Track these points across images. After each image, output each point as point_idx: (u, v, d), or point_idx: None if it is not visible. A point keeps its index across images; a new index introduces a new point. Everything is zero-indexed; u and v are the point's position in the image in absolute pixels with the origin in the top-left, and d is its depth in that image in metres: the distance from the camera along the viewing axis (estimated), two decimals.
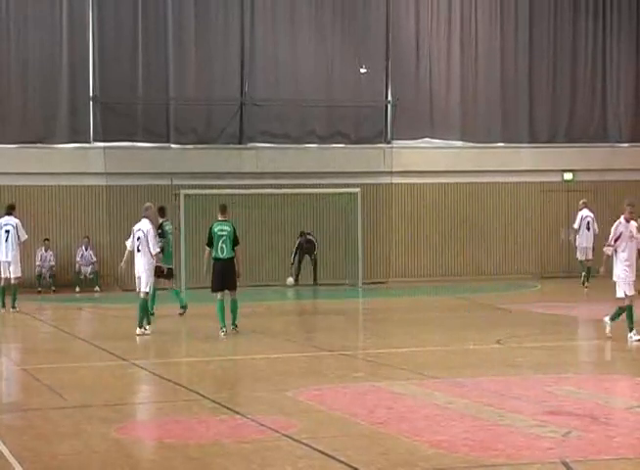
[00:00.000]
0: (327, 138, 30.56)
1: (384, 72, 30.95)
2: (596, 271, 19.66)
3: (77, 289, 27.96)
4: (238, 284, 17.75)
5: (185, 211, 27.95)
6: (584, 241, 26.91)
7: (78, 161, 28.66)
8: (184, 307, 21.35)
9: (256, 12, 30.05)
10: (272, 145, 30.17)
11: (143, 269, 18.00)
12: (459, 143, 31.50)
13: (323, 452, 8.95)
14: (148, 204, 18.72)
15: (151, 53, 29.29)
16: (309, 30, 30.51)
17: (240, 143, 30.00)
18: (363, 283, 28.59)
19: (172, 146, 29.48)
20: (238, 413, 10.82)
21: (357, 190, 29.22)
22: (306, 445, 9.26)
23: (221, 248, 17.49)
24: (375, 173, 30.44)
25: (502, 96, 31.78)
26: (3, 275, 22.40)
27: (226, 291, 17.65)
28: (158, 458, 8.99)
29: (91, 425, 10.34)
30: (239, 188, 28.65)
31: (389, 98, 30.98)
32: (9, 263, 22.29)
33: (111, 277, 27.53)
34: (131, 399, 12.14)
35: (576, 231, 27.03)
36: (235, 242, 17.59)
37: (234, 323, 17.70)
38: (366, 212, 29.56)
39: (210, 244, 17.62)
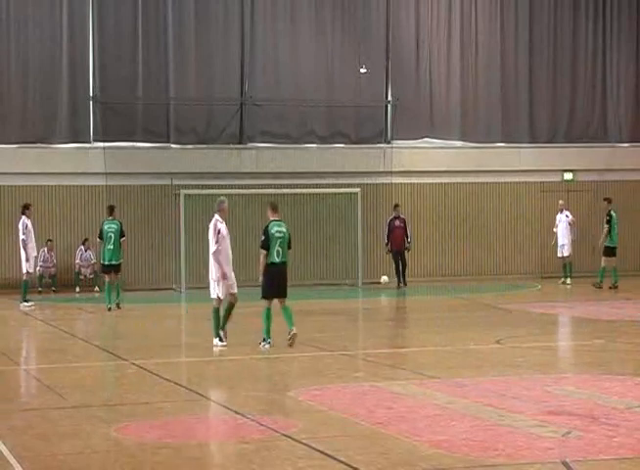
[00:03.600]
0: (327, 138, 30.56)
1: (384, 72, 30.95)
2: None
3: (77, 289, 27.98)
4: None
5: (185, 210, 27.97)
6: (561, 238, 28.29)
7: (78, 161, 28.66)
8: (118, 304, 22.08)
9: (256, 11, 30.04)
10: (272, 145, 30.17)
11: (212, 272, 16.25)
12: (459, 143, 31.50)
13: (323, 452, 8.96)
14: (221, 198, 16.92)
15: (151, 53, 29.29)
16: (309, 30, 30.51)
17: (240, 143, 30.00)
18: (363, 283, 28.59)
19: (172, 146, 29.47)
20: (238, 413, 10.82)
21: (357, 190, 29.23)
22: (306, 445, 9.26)
23: (277, 251, 15.87)
24: (375, 173, 30.45)
25: (502, 96, 31.79)
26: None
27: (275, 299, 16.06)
28: (158, 458, 8.99)
29: (91, 425, 10.34)
30: (239, 188, 28.66)
31: (389, 98, 30.98)
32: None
33: None
34: (131, 398, 12.15)
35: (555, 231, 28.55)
36: (289, 245, 16.12)
37: (291, 325, 15.85)
38: (366, 212, 29.56)
39: (266, 246, 15.90)
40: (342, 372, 13.82)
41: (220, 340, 16.08)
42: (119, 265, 22.79)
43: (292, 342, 15.74)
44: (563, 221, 28.53)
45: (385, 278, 27.94)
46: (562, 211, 28.65)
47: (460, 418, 10.38)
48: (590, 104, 32.43)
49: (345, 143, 30.69)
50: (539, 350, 16.26)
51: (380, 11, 30.87)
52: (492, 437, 9.45)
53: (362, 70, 30.38)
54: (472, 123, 31.53)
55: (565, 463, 8.40)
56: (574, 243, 29.03)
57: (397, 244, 28.33)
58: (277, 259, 15.86)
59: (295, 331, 15.81)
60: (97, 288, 28.12)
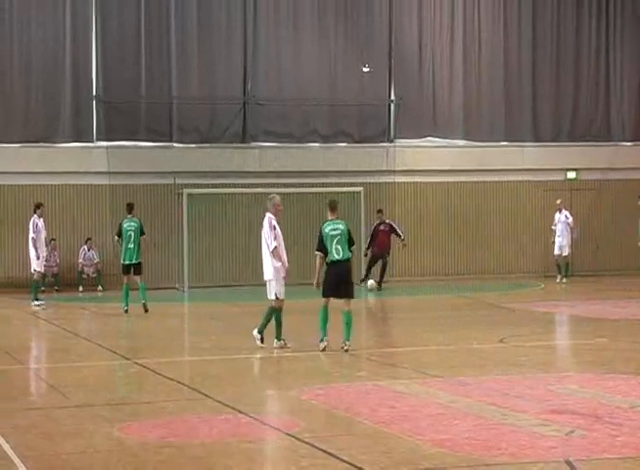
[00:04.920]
0: (330, 137, 30.57)
1: (386, 72, 30.96)
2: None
3: (80, 289, 27.99)
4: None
5: (188, 210, 27.98)
6: (560, 238, 28.57)
7: (81, 160, 28.67)
8: (144, 305, 21.44)
9: (259, 11, 30.05)
10: (275, 144, 30.18)
11: (268, 271, 15.68)
12: (462, 142, 31.50)
13: (326, 451, 8.95)
14: (272, 195, 16.25)
15: (154, 52, 29.30)
16: (312, 30, 30.51)
17: (243, 142, 30.02)
18: (377, 282, 28.55)
19: (175, 145, 29.49)
20: (241, 412, 10.82)
21: (360, 189, 29.22)
22: (309, 443, 9.26)
23: (337, 249, 15.25)
24: (378, 172, 30.45)
25: (505, 95, 31.78)
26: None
27: (340, 300, 15.33)
28: (161, 457, 8.99)
29: (94, 424, 10.34)
30: (242, 187, 28.68)
31: (392, 97, 30.99)
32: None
33: (114, 277, 27.52)
34: (134, 398, 12.15)
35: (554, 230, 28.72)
36: (351, 242, 15.44)
37: (347, 339, 15.20)
38: (369, 212, 29.54)
39: (321, 248, 15.35)
40: (346, 371, 13.83)
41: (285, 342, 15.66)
42: (140, 265, 21.89)
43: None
44: (562, 221, 28.57)
45: (371, 282, 26.54)
46: (560, 211, 28.71)
47: (463, 417, 10.38)
48: (593, 102, 32.42)
49: (348, 142, 30.70)
50: (542, 348, 16.25)
51: (383, 16, 30.88)
52: (495, 436, 9.45)
53: (365, 70, 30.38)
54: (475, 122, 31.52)
55: (568, 462, 8.40)
56: (576, 242, 29.02)
57: (380, 247, 27.94)
58: (337, 257, 15.21)
59: (348, 348, 15.13)
60: (100, 287, 28.14)
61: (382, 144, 30.91)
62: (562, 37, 32.22)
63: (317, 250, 15.41)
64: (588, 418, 10.09)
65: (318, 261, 15.36)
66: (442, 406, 10.99)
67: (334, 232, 15.35)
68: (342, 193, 29.53)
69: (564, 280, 28.27)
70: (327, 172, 29.80)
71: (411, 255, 30.28)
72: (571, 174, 32.08)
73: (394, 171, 30.75)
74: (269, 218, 15.70)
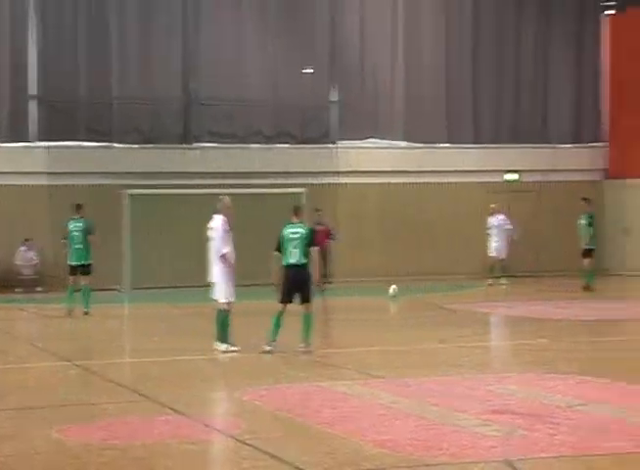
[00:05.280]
0: (273, 138, 30.56)
1: (329, 73, 31.02)
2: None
3: (18, 290, 27.66)
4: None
5: (130, 211, 27.77)
6: (496, 242, 28.49)
7: (20, 160, 28.35)
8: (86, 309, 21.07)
9: (201, 11, 29.95)
10: (218, 145, 30.09)
11: (217, 274, 15.58)
12: (403, 143, 31.68)
13: (268, 453, 8.93)
14: (221, 196, 16.13)
15: (93, 51, 29.08)
16: (254, 31, 30.49)
17: (186, 143, 29.89)
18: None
19: (116, 145, 29.27)
20: (183, 414, 10.76)
21: (303, 190, 29.20)
22: (251, 445, 9.23)
23: (292, 253, 15.19)
24: (320, 173, 30.48)
25: (446, 96, 32.00)
26: None
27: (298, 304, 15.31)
28: (103, 459, 8.91)
29: (34, 427, 10.22)
30: (185, 188, 28.53)
31: (335, 98, 31.05)
32: None
33: (54, 278, 27.24)
34: (75, 400, 12.03)
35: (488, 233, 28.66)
36: (310, 244, 15.29)
37: (305, 340, 15.31)
38: (311, 213, 29.49)
39: (279, 249, 15.35)
40: (289, 372, 13.81)
41: (231, 344, 15.45)
42: (89, 266, 21.39)
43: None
44: (497, 225, 28.50)
45: (394, 288, 24.60)
46: (494, 215, 28.67)
47: (404, 418, 10.42)
48: (533, 105, 32.75)
49: (291, 143, 30.71)
50: (483, 349, 16.38)
51: (324, 17, 30.95)
52: (436, 436, 9.49)
53: (307, 71, 30.43)
54: (416, 124, 31.70)
55: (508, 462, 8.46)
56: (516, 244, 29.22)
57: (320, 247, 27.72)
58: (291, 261, 15.19)
59: (309, 350, 15.16)
60: (39, 288, 27.83)
61: (324, 145, 30.96)
62: (502, 41, 32.50)
63: (275, 250, 15.43)
64: (528, 418, 10.17)
65: (275, 262, 15.40)
66: (384, 407, 11.02)
67: (293, 235, 15.36)
68: (285, 194, 29.56)
69: (501, 281, 28.17)
70: (270, 173, 29.77)
71: (354, 256, 30.33)
72: (512, 176, 32.37)
73: (337, 172, 30.81)
74: (222, 221, 15.58)
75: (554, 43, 32.86)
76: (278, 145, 30.60)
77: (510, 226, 28.66)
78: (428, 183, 31.54)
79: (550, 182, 32.29)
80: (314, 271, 15.31)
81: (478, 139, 32.27)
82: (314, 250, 15.35)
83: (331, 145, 31.08)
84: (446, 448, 8.97)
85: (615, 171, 32.68)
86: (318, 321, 21.45)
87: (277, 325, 15.30)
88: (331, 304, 25.65)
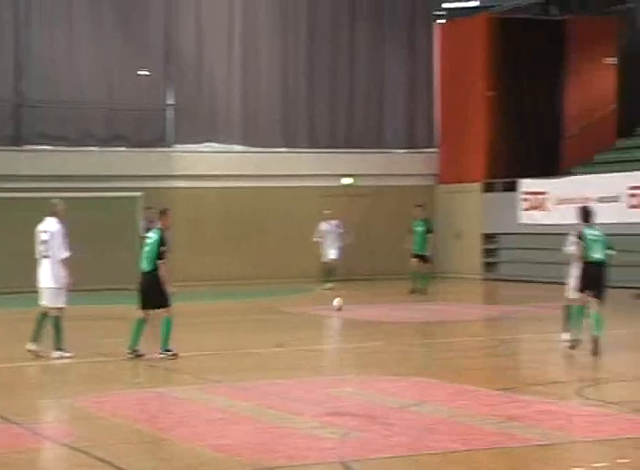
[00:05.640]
0: (107, 141, 30.13)
1: (164, 75, 30.79)
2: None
3: None
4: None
5: None
6: (328, 245, 28.48)
7: None
8: None
9: (32, 10, 29.29)
10: (51, 147, 29.48)
11: (50, 279, 15.09)
12: (240, 147, 31.70)
13: (103, 460, 8.78)
14: (55, 199, 15.65)
15: None
16: (89, 31, 30.00)
17: (16, 145, 29.16)
18: None
19: None
20: (12, 422, 10.48)
21: (139, 194, 28.91)
22: (85, 453, 9.05)
23: (144, 257, 14.95)
24: (157, 177, 30.22)
25: (283, 101, 32.19)
26: None
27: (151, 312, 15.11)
28: None
29: None
30: (15, 191, 27.81)
31: (171, 101, 30.84)
32: None
33: None
34: None
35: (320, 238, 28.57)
36: (157, 256, 14.83)
37: (164, 347, 14.94)
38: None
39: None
40: (124, 378, 13.63)
41: (64, 351, 15.05)
42: None
43: None
44: (332, 231, 28.47)
45: (338, 300, 21.88)
46: (327, 221, 28.58)
47: (242, 421, 10.41)
48: (368, 110, 33.25)
49: (127, 146, 30.34)
50: (320, 352, 16.52)
51: (159, 19, 30.70)
52: (273, 439, 9.52)
53: (142, 73, 30.12)
54: (253, 128, 31.78)
55: (344, 463, 8.54)
56: (352, 247, 29.54)
57: None
58: (142, 267, 14.95)
59: (166, 357, 14.78)
60: None
61: (160, 149, 30.71)
62: (337, 47, 32.89)
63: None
64: (363, 419, 10.30)
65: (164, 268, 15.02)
66: (222, 411, 10.99)
67: (147, 240, 15.11)
68: (120, 198, 29.18)
69: (327, 285, 28.31)
70: (105, 177, 29.34)
71: (191, 260, 30.16)
72: (347, 180, 32.77)
73: (173, 176, 30.61)
74: (58, 225, 15.17)
75: (388, 50, 33.42)
76: (113, 148, 30.19)
77: (342, 231, 28.78)
78: (265, 187, 31.63)
79: (384, 187, 32.83)
80: (167, 282, 14.92)
81: (314, 144, 32.57)
82: (162, 262, 14.88)
83: (167, 148, 30.85)
84: (283, 451, 9.00)
85: (446, 176, 33.47)
86: (154, 326, 21.24)
87: (137, 331, 15.03)
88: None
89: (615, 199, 27.65)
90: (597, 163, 31.59)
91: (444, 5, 34.79)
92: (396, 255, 31.07)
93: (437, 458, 8.74)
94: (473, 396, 11.79)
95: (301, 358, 15.26)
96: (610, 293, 25.04)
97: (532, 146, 31.77)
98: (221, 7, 31.51)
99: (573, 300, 15.55)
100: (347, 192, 32.46)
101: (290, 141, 32.25)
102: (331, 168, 32.36)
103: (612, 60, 33.14)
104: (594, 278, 15.18)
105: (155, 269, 14.90)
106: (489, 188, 32.19)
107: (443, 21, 34.38)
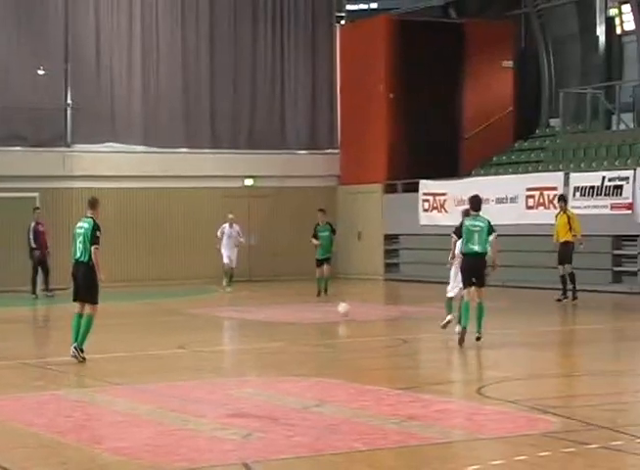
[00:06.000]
0: (4, 141, 29.62)
1: (63, 74, 30.37)
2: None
3: None
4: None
5: None
6: (228, 250, 27.93)
7: None
8: None
9: None
10: None
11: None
12: (141, 147, 31.44)
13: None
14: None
15: None
16: None
17: None
18: (42, 290, 27.86)
19: None
20: None
21: (36, 195, 28.50)
22: None
23: (78, 248, 14.54)
24: (55, 178, 29.81)
25: (184, 101, 32.02)
26: None
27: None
28: None
29: None
30: None
31: (69, 101, 30.44)
32: None
33: None
34: None
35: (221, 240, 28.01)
36: (91, 241, 14.49)
37: (79, 345, 14.51)
38: (45, 218, 28.82)
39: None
40: (21, 381, 13.39)
41: None
42: None
43: None
44: (234, 236, 27.92)
45: (343, 306, 20.43)
46: (231, 226, 27.97)
47: (143, 424, 10.33)
48: (270, 112, 33.26)
49: (24, 146, 29.85)
50: (221, 353, 16.48)
51: (58, 17, 30.29)
52: (175, 441, 9.46)
53: (40, 72, 29.68)
54: (154, 128, 31.55)
55: (245, 465, 8.53)
56: (253, 249, 29.51)
57: (43, 250, 27.15)
58: (75, 256, 14.57)
59: (81, 358, 14.40)
60: None
61: (59, 149, 30.29)
62: (239, 49, 32.84)
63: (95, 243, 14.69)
64: (265, 420, 10.30)
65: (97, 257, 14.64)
66: (122, 414, 10.89)
67: (79, 230, 14.74)
68: (17, 198, 28.70)
69: (228, 289, 28.08)
70: (2, 177, 28.81)
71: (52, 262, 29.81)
72: (249, 181, 32.75)
73: (72, 177, 30.22)
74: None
75: (290, 52, 33.49)
76: (10, 148, 29.67)
77: (241, 239, 28.39)
78: (167, 188, 31.42)
79: (286, 188, 32.88)
80: (98, 271, 14.56)
81: (216, 145, 32.46)
82: (96, 247, 14.54)
83: (66, 149, 30.44)
84: (184, 454, 8.95)
85: (347, 177, 33.67)
86: (52, 328, 20.97)
87: (76, 327, 14.60)
88: (66, 310, 25.10)
89: (513, 200, 28.13)
90: (495, 164, 32.13)
91: (346, 7, 35.02)
92: (298, 256, 31.18)
93: (340, 458, 8.78)
94: (374, 395, 11.87)
95: (203, 360, 15.20)
96: (508, 292, 25.49)
97: (433, 147, 32.12)
98: (121, 6, 31.21)
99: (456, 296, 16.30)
100: (250, 193, 32.43)
101: (191, 142, 32.10)
102: (233, 169, 32.30)
103: (509, 63, 33.71)
104: (472, 269, 15.69)
105: (90, 259, 14.54)
106: (390, 189, 32.48)
107: (343, 22, 34.59)
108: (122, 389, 12.61)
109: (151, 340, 17.44)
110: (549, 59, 34.08)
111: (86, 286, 14.60)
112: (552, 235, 23.66)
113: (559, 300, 23.11)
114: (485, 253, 15.73)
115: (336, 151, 34.03)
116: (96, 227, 14.62)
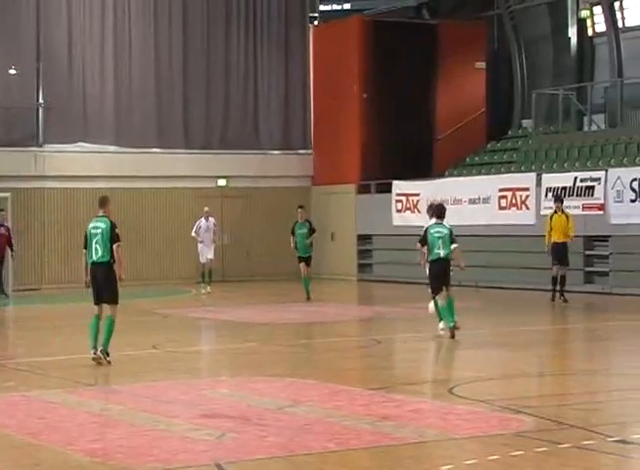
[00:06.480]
0: None
1: (35, 74, 30.23)
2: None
3: None
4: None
5: None
6: (206, 245, 27.04)
7: None
8: None
9: None
10: None
11: None
12: (113, 147, 31.34)
13: None
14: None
15: None
16: None
17: None
18: (14, 290, 27.74)
19: None
20: None
21: (7, 195, 28.35)
22: None
23: (95, 249, 14.25)
24: (26, 177, 29.67)
25: (157, 102, 31.95)
26: None
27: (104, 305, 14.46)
28: None
29: None
30: None
31: (41, 100, 30.29)
32: None
33: None
34: None
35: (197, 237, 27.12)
36: (113, 240, 14.25)
37: (105, 349, 14.30)
38: (17, 218, 28.71)
39: (86, 246, 14.44)
40: None
41: None
42: None
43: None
44: (210, 229, 27.16)
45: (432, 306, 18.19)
46: (207, 219, 27.21)
47: (115, 425, 10.28)
48: (243, 112, 33.23)
49: None
50: (195, 354, 16.44)
51: (30, 16, 30.13)
52: (148, 442, 9.42)
53: (11, 71, 29.53)
54: (126, 128, 31.45)
55: (218, 465, 8.51)
56: (227, 248, 29.46)
57: (1, 252, 26.88)
58: (94, 258, 14.20)
59: (107, 361, 14.17)
60: None
61: (30, 148, 30.14)
62: (212, 49, 32.79)
63: (84, 248, 14.49)
64: (238, 421, 10.28)
65: (84, 260, 14.48)
66: (94, 415, 10.84)
67: (94, 230, 14.36)
68: None
69: (207, 289, 27.63)
70: None
71: (62, 262, 29.71)
72: (222, 182, 32.69)
73: (44, 177, 30.08)
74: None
75: (263, 52, 33.46)
76: None
77: (217, 230, 28.12)
78: (140, 188, 31.32)
79: (259, 188, 32.85)
80: (119, 268, 14.33)
81: (188, 145, 32.39)
82: (116, 245, 14.28)
83: (37, 148, 30.29)
84: (157, 454, 8.92)
85: (320, 178, 33.67)
86: (21, 328, 20.84)
87: (94, 329, 14.38)
88: (35, 310, 24.98)
89: (485, 201, 28.21)
90: (468, 165, 32.22)
91: (319, 8, 35.03)
92: (271, 256, 31.17)
93: (313, 458, 8.78)
94: (347, 395, 11.88)
95: (177, 360, 15.15)
96: (481, 293, 25.60)
97: (406, 148, 32.16)
98: (93, 6, 31.09)
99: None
100: (223, 193, 32.38)
101: (164, 142, 32.02)
102: (206, 170, 32.24)
103: (482, 64, 33.81)
104: (441, 275, 16.73)
105: (111, 259, 14.28)
106: (364, 190, 32.50)
107: (316, 23, 34.60)
108: (94, 390, 12.56)
109: (124, 340, 17.34)
110: (521, 60, 34.21)
111: (109, 287, 14.34)
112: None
113: (553, 299, 22.92)
114: (449, 256, 16.78)
115: (309, 151, 34.03)
116: (113, 225, 14.38)
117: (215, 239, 27.49)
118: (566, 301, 22.85)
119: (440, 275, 16.72)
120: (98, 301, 14.46)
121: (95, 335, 14.40)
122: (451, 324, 16.43)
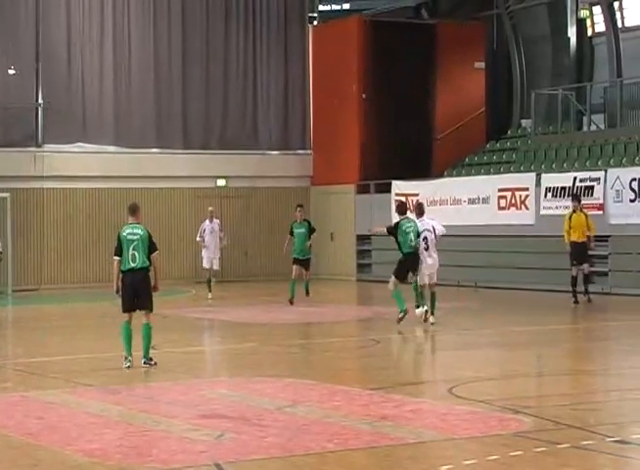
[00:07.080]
0: None
1: (34, 74, 30.22)
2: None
3: None
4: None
5: None
6: (213, 250, 25.97)
7: None
8: None
9: None
10: None
11: None
12: (112, 148, 31.32)
13: None
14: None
15: None
16: None
17: None
18: (13, 290, 27.73)
19: None
20: None
21: (7, 195, 28.35)
22: None
23: (132, 256, 14.07)
24: (25, 178, 29.67)
25: (156, 102, 31.93)
26: None
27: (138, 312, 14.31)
28: None
29: None
30: None
31: (40, 100, 30.28)
32: None
33: None
34: None
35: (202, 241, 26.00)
36: (151, 248, 14.22)
37: (146, 355, 14.22)
38: (16, 218, 28.70)
39: (119, 252, 14.18)
40: None
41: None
42: None
43: None
44: (215, 230, 26.01)
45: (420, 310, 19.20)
46: (212, 220, 26.08)
47: (114, 425, 10.28)
48: (242, 112, 33.22)
49: None
50: (194, 354, 16.43)
51: (29, 17, 30.10)
52: (146, 443, 9.42)
53: (10, 71, 29.51)
54: (125, 129, 31.43)
55: (217, 465, 8.51)
56: (226, 249, 29.37)
57: None
58: (132, 265, 14.04)
59: (150, 365, 14.07)
60: None
61: (29, 149, 30.14)
62: (211, 49, 32.78)
63: (115, 255, 14.26)
64: (237, 421, 10.27)
65: (116, 266, 14.24)
66: (93, 415, 10.83)
67: (131, 237, 14.20)
68: None
69: (210, 295, 26.96)
70: None
71: (61, 262, 29.70)
72: (221, 182, 32.68)
73: (43, 177, 30.07)
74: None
75: (262, 52, 33.44)
76: None
77: (222, 233, 27.94)
78: (139, 188, 31.29)
79: (258, 188, 32.85)
80: (155, 278, 14.28)
81: (187, 145, 32.38)
82: (156, 253, 14.30)
83: (37, 149, 30.28)
84: (156, 455, 8.92)
85: (319, 178, 33.66)
86: (22, 329, 20.82)
87: (127, 337, 14.20)
88: (37, 310, 24.97)
89: (485, 201, 28.20)
90: (467, 165, 32.21)
91: (318, 8, 35.01)
92: (270, 256, 31.16)
93: (312, 459, 8.77)
94: (346, 396, 11.87)
95: (175, 361, 15.14)
96: (480, 293, 25.58)
97: (405, 148, 32.16)
98: (92, 6, 31.07)
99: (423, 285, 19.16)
100: (222, 193, 32.38)
101: (163, 142, 32.01)
102: (205, 170, 32.23)
103: (481, 64, 33.81)
104: (411, 265, 18.87)
105: (149, 265, 14.20)
106: (363, 190, 32.48)
107: (316, 23, 34.59)
108: (93, 390, 12.54)
109: (119, 341, 17.32)
110: (520, 60, 34.20)
111: (147, 293, 14.25)
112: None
113: (576, 302, 22.42)
114: (416, 250, 18.82)
115: (308, 151, 34.02)
116: (150, 233, 14.36)
117: (222, 244, 26.23)
118: (590, 300, 22.60)
119: (411, 266, 18.81)
120: (133, 307, 14.28)
121: (129, 341, 14.21)
122: (402, 313, 18.49)
